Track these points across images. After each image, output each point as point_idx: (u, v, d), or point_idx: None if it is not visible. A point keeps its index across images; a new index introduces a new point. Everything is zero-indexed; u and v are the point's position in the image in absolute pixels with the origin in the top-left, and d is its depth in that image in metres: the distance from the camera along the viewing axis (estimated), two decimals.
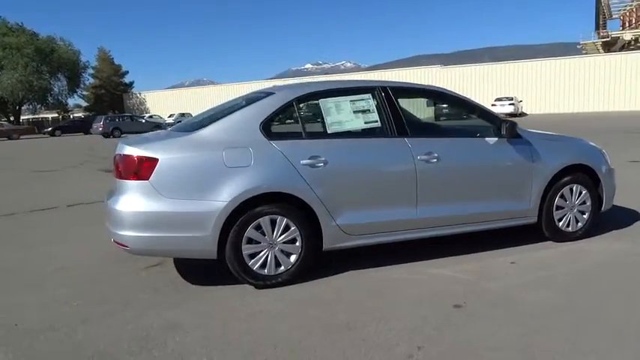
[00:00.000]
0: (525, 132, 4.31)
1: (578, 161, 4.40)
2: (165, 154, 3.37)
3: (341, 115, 3.79)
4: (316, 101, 3.81)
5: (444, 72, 43.57)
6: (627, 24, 59.08)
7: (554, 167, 4.27)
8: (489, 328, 2.82)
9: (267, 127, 3.59)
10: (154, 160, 3.33)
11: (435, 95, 4.35)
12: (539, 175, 4.22)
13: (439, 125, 4.31)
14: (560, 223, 4.39)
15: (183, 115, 42.72)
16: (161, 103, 56.96)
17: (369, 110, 3.86)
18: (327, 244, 3.66)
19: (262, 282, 3.53)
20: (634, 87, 37.67)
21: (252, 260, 3.49)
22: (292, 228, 3.54)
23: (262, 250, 3.51)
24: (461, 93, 4.38)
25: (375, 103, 3.89)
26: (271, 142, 3.54)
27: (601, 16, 58.13)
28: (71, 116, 59.31)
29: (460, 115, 4.67)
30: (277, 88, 4.01)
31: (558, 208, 4.36)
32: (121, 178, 3.43)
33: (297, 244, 3.58)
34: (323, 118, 3.76)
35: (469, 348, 2.61)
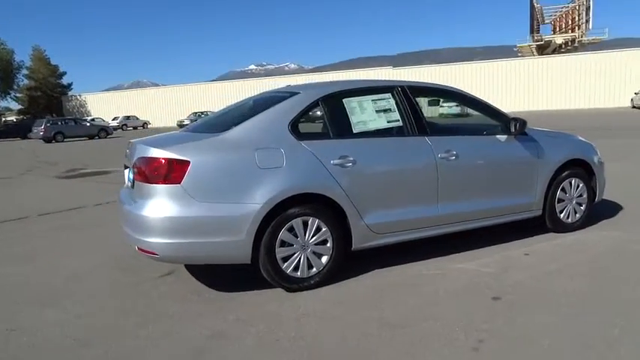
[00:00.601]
0: (529, 129, 4.48)
1: (576, 156, 4.64)
2: (196, 156, 3.24)
3: (365, 114, 3.79)
4: (340, 100, 3.79)
5: (395, 73, 44.56)
6: (558, 29, 62.77)
7: (557, 162, 4.48)
8: (536, 318, 2.91)
9: (295, 127, 3.53)
10: (186, 163, 3.19)
11: (449, 94, 4.44)
12: (544, 170, 4.41)
13: (453, 124, 4.40)
14: (562, 215, 4.60)
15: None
16: (103, 105, 54.74)
17: (390, 109, 3.88)
18: (357, 243, 3.66)
19: (296, 285, 3.47)
20: (565, 87, 40.33)
21: (286, 263, 3.42)
22: (324, 229, 3.51)
23: (295, 253, 3.45)
24: None
25: (395, 102, 3.92)
26: (301, 142, 3.49)
27: (535, 21, 61.36)
28: (2, 119, 55.64)
29: (462, 114, 4.80)
30: (300, 88, 3.96)
31: (560, 200, 4.57)
32: (147, 182, 3.26)
33: (328, 244, 3.54)
34: (348, 118, 3.74)
35: (526, 337, 2.68)
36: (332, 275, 3.59)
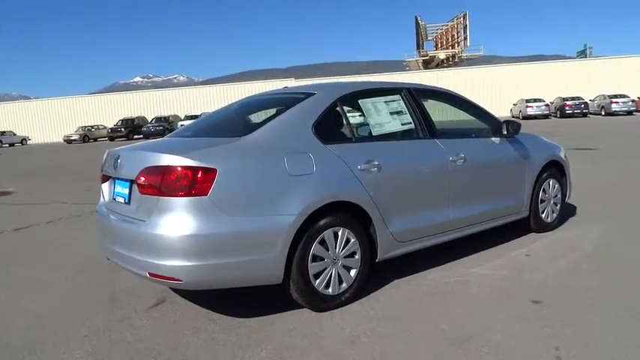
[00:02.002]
0: None
1: (553, 157, 4.84)
2: (223, 162, 2.79)
3: (380, 116, 3.59)
4: (356, 102, 3.55)
5: (297, 84, 44.80)
6: (439, 45, 67.89)
7: (540, 163, 4.63)
8: (588, 317, 2.88)
9: (318, 130, 3.22)
10: (212, 171, 2.73)
11: (448, 97, 4.38)
12: (530, 171, 4.53)
13: (451, 127, 4.36)
14: (543, 215, 4.76)
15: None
16: None
17: (401, 112, 3.72)
18: (382, 254, 3.42)
19: (328, 303, 3.14)
20: None
21: (318, 280, 3.09)
22: (352, 240, 3.23)
23: (326, 268, 3.13)
24: None
25: (405, 104, 3.77)
26: (327, 146, 3.19)
27: (420, 38, 65.76)
28: None
29: (447, 116, 4.80)
30: (311, 88, 3.63)
31: (542, 201, 4.72)
32: (163, 195, 2.74)
33: (357, 256, 3.27)
34: (366, 120, 3.51)
35: (597, 340, 2.62)
36: (361, 290, 3.32)
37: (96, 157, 20.43)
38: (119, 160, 3.18)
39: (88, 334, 3.03)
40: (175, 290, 3.60)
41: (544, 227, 4.78)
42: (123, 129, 38.23)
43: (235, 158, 2.87)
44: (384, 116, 3.61)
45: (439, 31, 68.74)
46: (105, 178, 3.47)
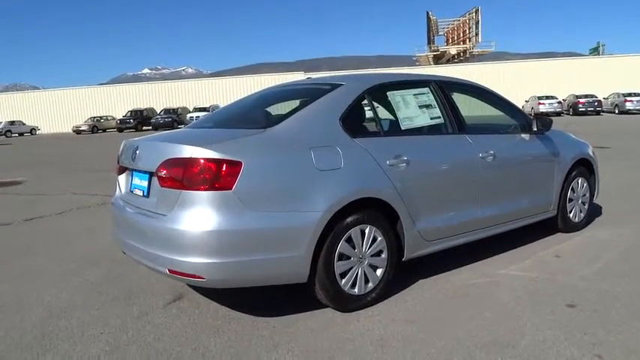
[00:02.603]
0: None
1: (582, 155, 4.66)
2: (248, 155, 2.65)
3: (409, 109, 3.44)
4: (385, 94, 3.40)
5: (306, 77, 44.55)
6: (450, 40, 67.33)
7: (570, 161, 4.46)
8: (630, 323, 2.73)
9: (346, 123, 3.07)
10: (238, 164, 2.60)
11: (477, 91, 4.21)
12: (560, 169, 4.36)
13: (480, 122, 4.19)
14: (571, 215, 4.59)
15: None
16: None
17: (430, 105, 3.57)
18: (409, 253, 3.28)
19: (354, 304, 3.01)
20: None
21: (344, 280, 2.95)
22: (379, 238, 3.09)
23: (352, 267, 2.99)
24: None
25: (434, 97, 3.61)
26: (355, 139, 3.04)
27: (431, 33, 65.22)
28: None
29: (473, 111, 4.63)
30: (338, 79, 3.48)
31: (570, 200, 4.55)
32: (185, 188, 2.61)
33: (383, 255, 3.13)
34: (395, 113, 3.36)
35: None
36: (387, 290, 3.18)
37: (105, 147, 20.45)
38: (137, 152, 3.05)
39: (104, 331, 2.92)
40: (193, 287, 3.48)
41: (572, 227, 4.61)
42: (132, 120, 38.23)
43: (261, 151, 2.73)
44: (413, 110, 3.45)
45: (450, 26, 68.19)
46: (122, 170, 3.34)
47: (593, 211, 5.24)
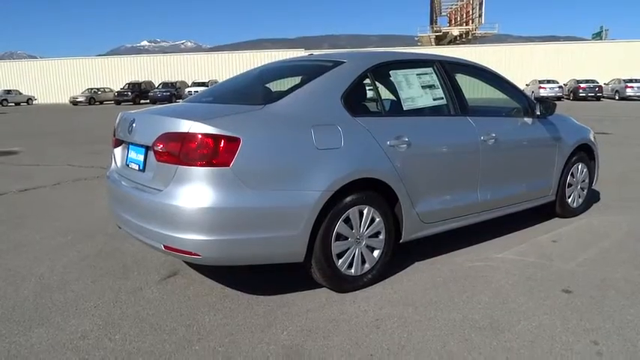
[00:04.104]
0: None
1: (584, 141, 4.61)
2: (247, 132, 2.59)
3: (412, 89, 3.37)
4: (388, 73, 3.33)
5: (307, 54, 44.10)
6: (453, 21, 66.50)
7: (571, 146, 4.42)
8: (632, 313, 2.72)
9: (347, 101, 3.01)
10: (236, 141, 2.54)
11: (481, 72, 4.12)
12: (561, 154, 4.32)
13: (481, 104, 4.13)
14: (569, 200, 4.57)
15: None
16: None
17: (433, 85, 3.50)
18: (406, 235, 3.25)
19: (350, 284, 3.00)
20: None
21: (341, 260, 2.93)
22: (377, 219, 3.06)
23: (349, 248, 2.97)
24: None
25: (437, 77, 3.54)
26: (356, 118, 2.98)
27: (434, 13, 64.38)
28: None
29: (476, 94, 4.56)
30: (340, 56, 3.40)
31: (569, 185, 4.52)
32: (182, 163, 2.56)
33: (381, 237, 3.10)
34: (397, 93, 3.30)
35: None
36: (384, 272, 3.17)
37: (102, 119, 20.26)
38: (134, 125, 2.98)
39: (97, 304, 2.90)
40: (188, 263, 3.46)
41: (569, 213, 4.60)
42: (130, 93, 37.83)
43: (261, 127, 2.67)
44: (416, 90, 3.38)
45: (454, 7, 67.24)
46: (117, 143, 3.28)
47: (592, 197, 5.23)
